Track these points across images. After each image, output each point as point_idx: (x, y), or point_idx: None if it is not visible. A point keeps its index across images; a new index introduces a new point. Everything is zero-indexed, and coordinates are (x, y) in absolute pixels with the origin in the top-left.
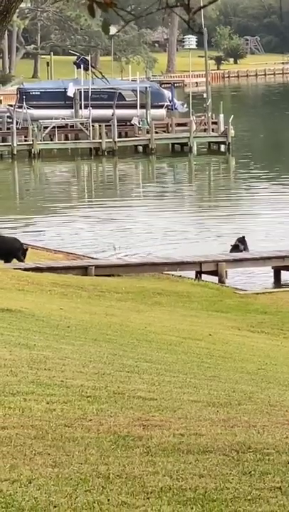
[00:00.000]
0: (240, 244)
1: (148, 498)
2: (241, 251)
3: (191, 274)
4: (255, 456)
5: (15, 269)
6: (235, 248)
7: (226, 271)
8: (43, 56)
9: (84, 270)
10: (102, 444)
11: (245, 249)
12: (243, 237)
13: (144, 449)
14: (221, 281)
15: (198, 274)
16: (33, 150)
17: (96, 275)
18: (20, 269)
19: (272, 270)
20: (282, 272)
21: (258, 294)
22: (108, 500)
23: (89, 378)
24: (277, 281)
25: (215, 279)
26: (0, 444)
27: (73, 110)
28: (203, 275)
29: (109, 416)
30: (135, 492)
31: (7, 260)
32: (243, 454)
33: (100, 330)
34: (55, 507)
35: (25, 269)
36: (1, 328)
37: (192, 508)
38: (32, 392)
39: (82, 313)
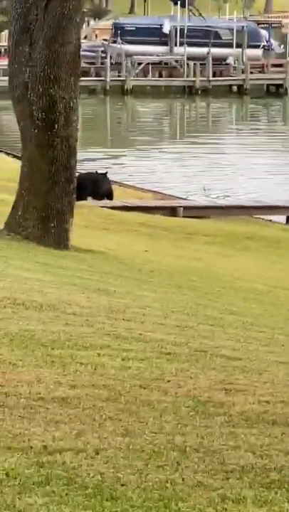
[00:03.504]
0: None
1: (227, 479)
2: None
3: (282, 218)
4: None
5: (101, 207)
6: None
7: None
8: None
9: (172, 211)
10: (180, 410)
11: None
12: None
13: (225, 418)
14: None
15: None
16: (125, 86)
17: (184, 216)
18: (106, 207)
19: None
20: None
21: None
22: (183, 479)
23: (170, 332)
24: None
25: None
26: (67, 405)
27: (168, 47)
28: None
29: (189, 377)
30: (213, 470)
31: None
32: None
33: (185, 275)
34: (122, 485)
35: (112, 208)
36: (81, 271)
37: (276, 493)
38: (107, 346)
39: (168, 256)
